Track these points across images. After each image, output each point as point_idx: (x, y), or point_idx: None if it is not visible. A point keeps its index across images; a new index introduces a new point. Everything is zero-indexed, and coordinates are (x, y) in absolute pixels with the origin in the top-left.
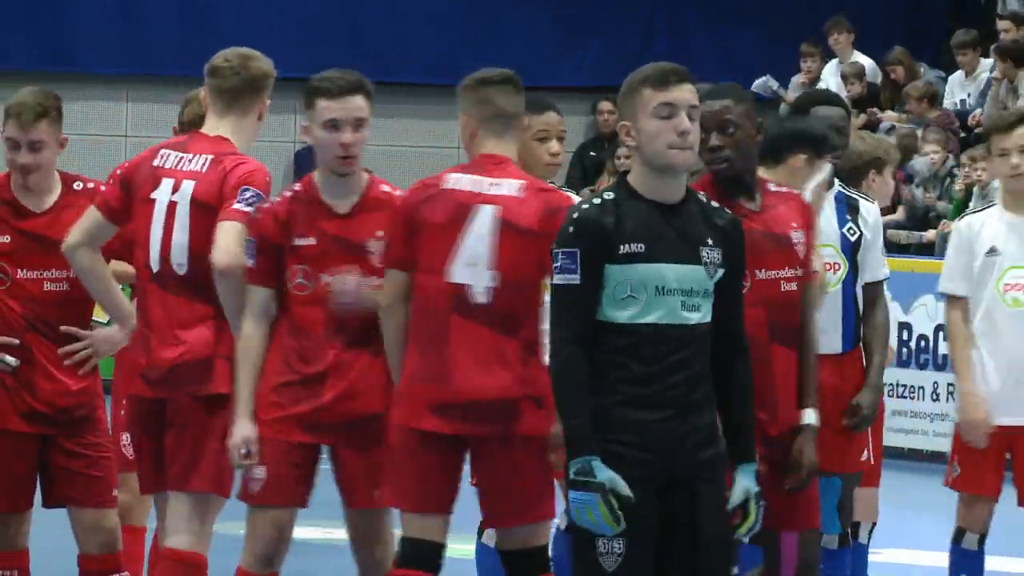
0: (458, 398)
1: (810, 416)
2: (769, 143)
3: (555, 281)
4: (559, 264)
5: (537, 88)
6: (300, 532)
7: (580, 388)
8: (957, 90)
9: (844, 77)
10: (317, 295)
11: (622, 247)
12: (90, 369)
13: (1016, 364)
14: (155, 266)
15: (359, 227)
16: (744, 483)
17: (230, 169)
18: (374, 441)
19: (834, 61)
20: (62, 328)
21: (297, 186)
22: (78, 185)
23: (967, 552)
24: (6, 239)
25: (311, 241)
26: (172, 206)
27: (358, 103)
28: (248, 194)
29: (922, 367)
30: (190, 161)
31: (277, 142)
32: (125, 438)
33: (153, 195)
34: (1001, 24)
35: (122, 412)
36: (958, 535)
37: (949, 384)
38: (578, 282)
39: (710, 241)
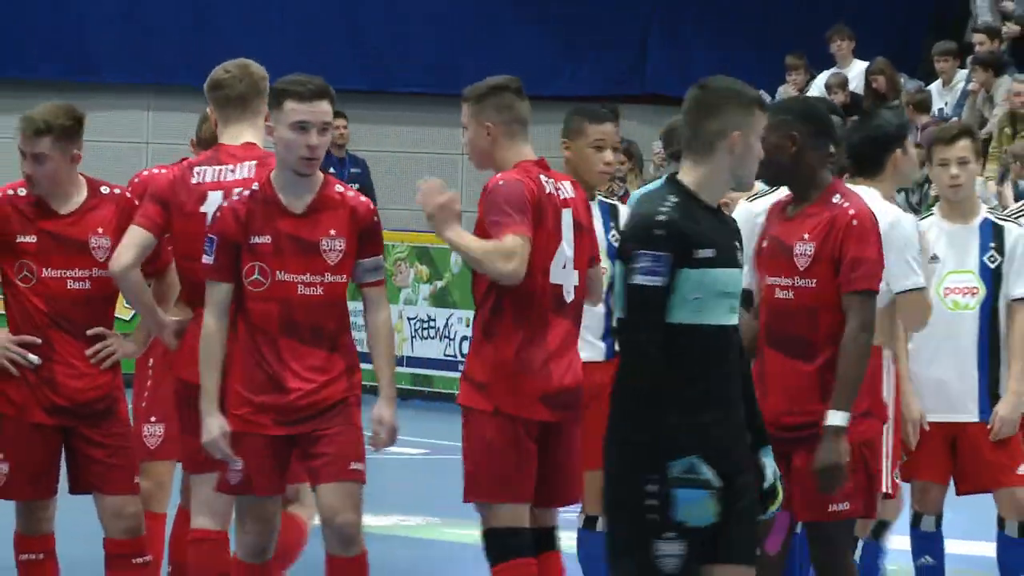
0: (558, 387)
1: (835, 417)
2: (861, 153)
3: (637, 282)
4: (643, 266)
5: (538, 98)
6: (373, 520)
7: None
8: (936, 99)
9: (828, 87)
10: (272, 292)
11: (698, 252)
12: (111, 365)
13: (955, 363)
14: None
15: (313, 226)
16: (771, 464)
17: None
18: (341, 423)
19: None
20: (89, 331)
21: (255, 185)
22: (104, 189)
23: (926, 534)
24: (32, 239)
25: (267, 239)
26: None
27: (325, 107)
28: None
29: None
30: (232, 171)
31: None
32: (146, 428)
33: (203, 208)
34: (976, 37)
35: (143, 404)
36: (915, 519)
37: None
38: (661, 285)
39: (738, 244)
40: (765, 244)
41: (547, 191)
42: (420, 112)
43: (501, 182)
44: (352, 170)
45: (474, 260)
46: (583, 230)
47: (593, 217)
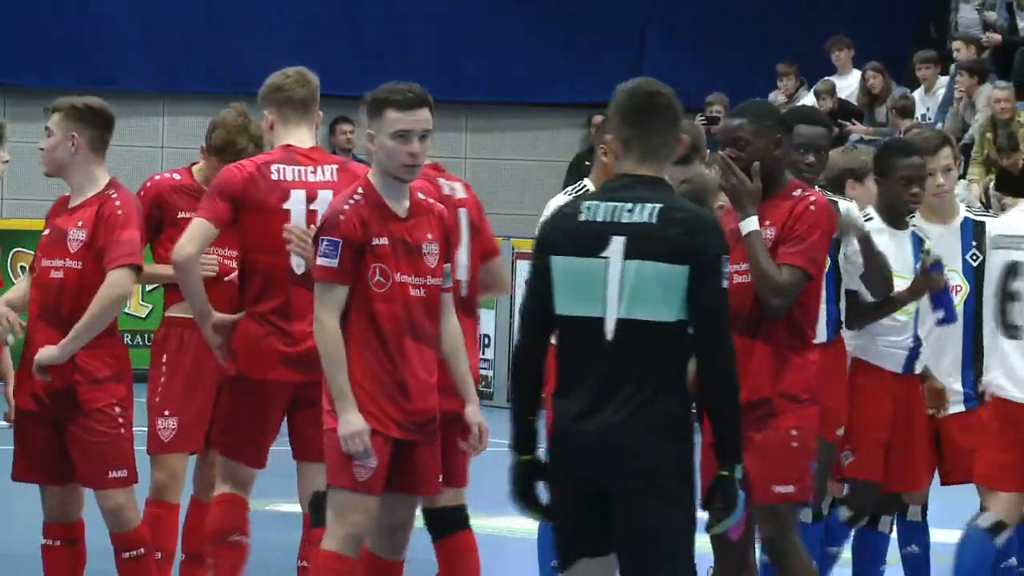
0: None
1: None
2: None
3: (725, 286)
4: (728, 270)
5: (537, 104)
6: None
7: None
8: (919, 105)
9: (817, 94)
10: (393, 293)
11: None
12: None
13: (940, 359)
14: (298, 269)
15: (415, 229)
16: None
17: (361, 175)
18: (439, 435)
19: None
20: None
21: (360, 190)
22: (111, 192)
23: (912, 524)
24: (47, 232)
25: (384, 241)
26: (312, 214)
27: (425, 115)
28: None
29: None
30: (313, 172)
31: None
32: (160, 422)
33: (286, 206)
34: (955, 44)
35: (156, 399)
36: (902, 510)
37: None
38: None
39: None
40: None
41: (445, 193)
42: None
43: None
44: None
45: None
46: (475, 229)
47: (483, 215)
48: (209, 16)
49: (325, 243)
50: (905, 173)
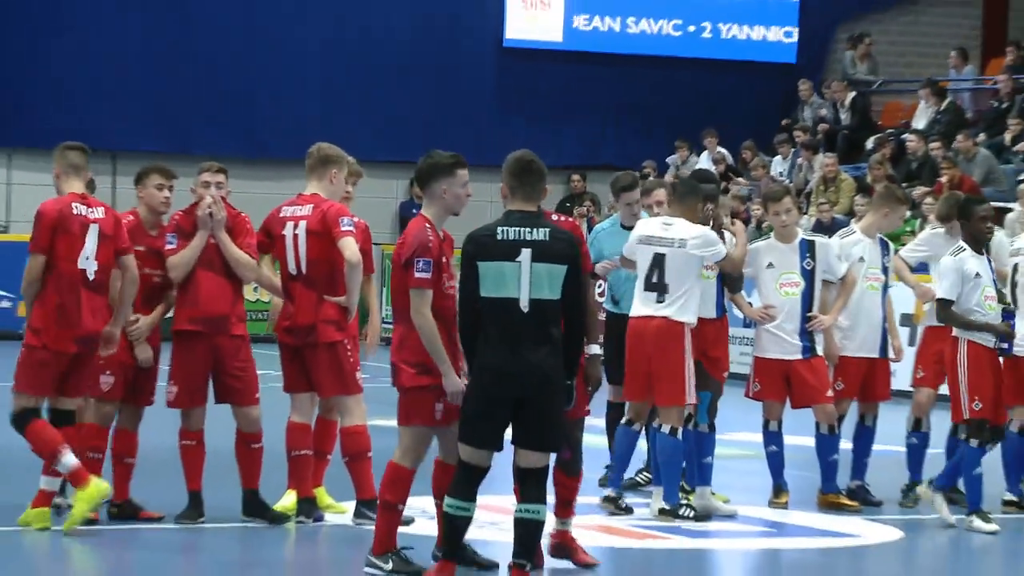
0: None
1: (593, 348)
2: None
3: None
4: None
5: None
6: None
7: None
8: (776, 167)
9: (715, 161)
10: (449, 292)
11: None
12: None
13: (778, 324)
14: (293, 271)
15: (447, 249)
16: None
17: (326, 209)
18: None
19: (705, 152)
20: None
21: (428, 225)
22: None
23: (772, 433)
24: (141, 248)
25: (445, 259)
26: (296, 238)
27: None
28: (346, 221)
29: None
30: (301, 208)
31: (380, 198)
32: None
33: (283, 232)
34: (796, 131)
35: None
36: (766, 424)
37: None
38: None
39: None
40: None
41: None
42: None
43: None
44: (414, 211)
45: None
46: (107, 239)
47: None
48: (282, 101)
49: (424, 263)
50: (983, 215)
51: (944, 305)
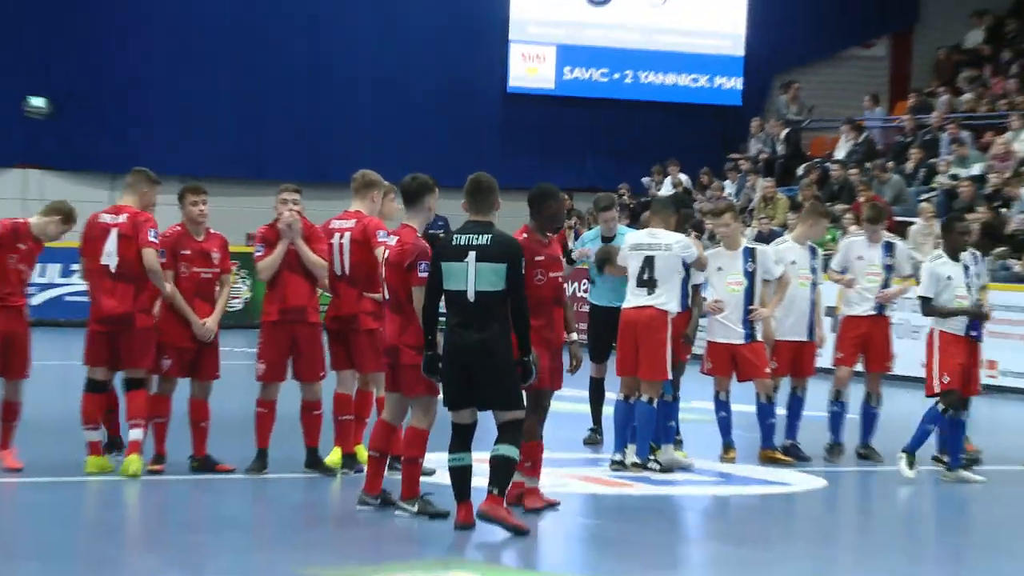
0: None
1: (572, 336)
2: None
3: (523, 274)
4: (522, 268)
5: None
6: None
7: None
8: (728, 188)
9: (674, 185)
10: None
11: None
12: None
13: (726, 315)
14: (339, 272)
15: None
16: (531, 362)
17: (367, 223)
18: None
19: (668, 177)
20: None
21: (525, 234)
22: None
23: (721, 402)
24: (187, 251)
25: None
26: (341, 246)
27: None
28: (381, 233)
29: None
30: (343, 222)
31: None
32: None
33: (332, 241)
34: (741, 161)
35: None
36: (716, 394)
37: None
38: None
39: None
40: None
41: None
42: None
43: None
44: (439, 223)
45: None
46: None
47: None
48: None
49: (423, 265)
50: (961, 231)
51: (924, 301)
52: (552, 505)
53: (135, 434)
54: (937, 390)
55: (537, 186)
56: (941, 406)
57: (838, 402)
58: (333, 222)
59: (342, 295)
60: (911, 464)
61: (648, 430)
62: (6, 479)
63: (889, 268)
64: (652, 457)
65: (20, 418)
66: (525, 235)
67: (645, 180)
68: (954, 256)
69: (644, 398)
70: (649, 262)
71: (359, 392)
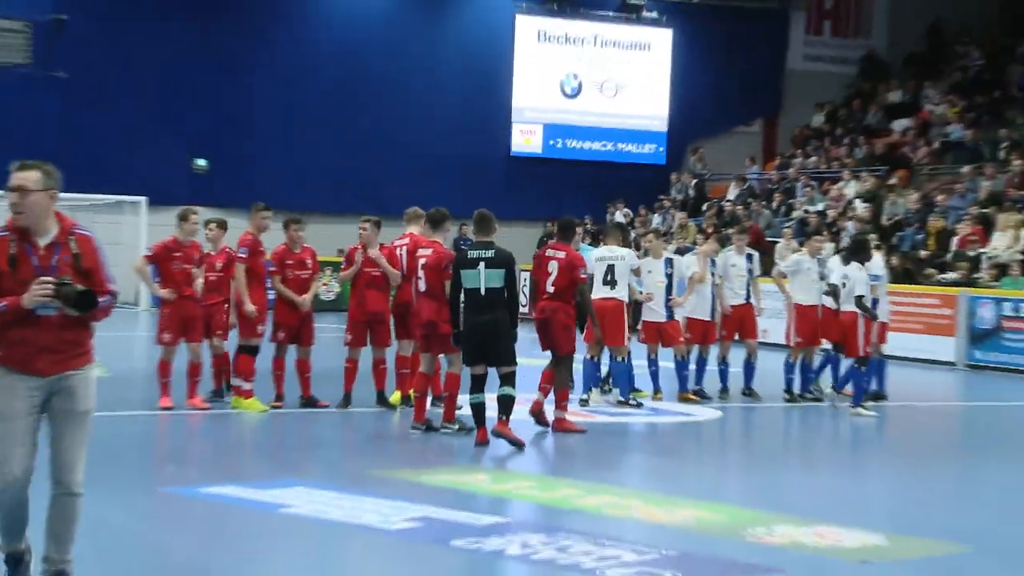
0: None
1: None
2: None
3: (515, 276)
4: (517, 271)
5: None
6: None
7: None
8: (656, 219)
9: (623, 216)
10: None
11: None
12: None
13: (654, 303)
14: (422, 286)
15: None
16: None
17: (416, 240)
18: None
19: (617, 211)
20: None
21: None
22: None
23: (652, 360)
24: (290, 261)
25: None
26: (401, 256)
27: None
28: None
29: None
30: (402, 240)
31: None
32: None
33: (398, 253)
34: (666, 201)
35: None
36: (648, 356)
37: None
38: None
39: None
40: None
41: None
42: None
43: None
44: (467, 241)
45: None
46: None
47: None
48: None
49: (451, 267)
50: (866, 247)
51: (859, 297)
52: (578, 431)
53: (247, 385)
54: (860, 354)
55: (566, 217)
56: (861, 365)
57: (724, 361)
58: (396, 241)
59: (403, 288)
60: (865, 410)
61: (624, 379)
62: (193, 412)
63: (751, 271)
64: (632, 398)
65: (201, 374)
66: (565, 250)
67: (608, 215)
68: (862, 264)
69: (618, 359)
70: (611, 268)
71: (413, 355)
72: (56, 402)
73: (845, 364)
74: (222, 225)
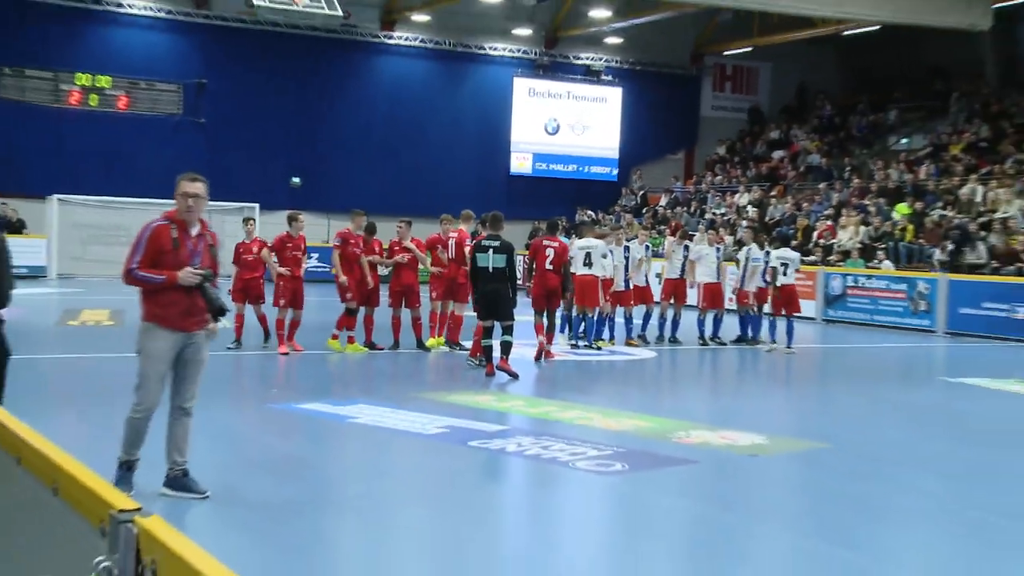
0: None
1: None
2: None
3: (515, 261)
4: (516, 258)
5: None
6: None
7: None
8: (613, 220)
9: (589, 217)
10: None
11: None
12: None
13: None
14: (451, 255)
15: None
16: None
17: (461, 232)
18: None
19: (585, 214)
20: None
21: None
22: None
23: (611, 318)
24: (359, 248)
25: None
26: (450, 243)
27: None
28: (468, 240)
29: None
30: (453, 234)
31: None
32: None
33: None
34: (618, 207)
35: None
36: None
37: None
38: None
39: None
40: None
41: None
42: None
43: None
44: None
45: None
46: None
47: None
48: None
49: None
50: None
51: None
52: (513, 374)
53: (343, 336)
54: (783, 313)
55: (552, 218)
56: (774, 319)
57: (662, 317)
58: (450, 232)
59: (450, 267)
60: (772, 349)
61: (593, 330)
62: (293, 355)
63: (686, 257)
64: (595, 344)
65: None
66: (557, 241)
67: (578, 216)
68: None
69: (590, 315)
70: (588, 255)
71: (440, 313)
72: (188, 352)
73: (771, 322)
74: (248, 221)
